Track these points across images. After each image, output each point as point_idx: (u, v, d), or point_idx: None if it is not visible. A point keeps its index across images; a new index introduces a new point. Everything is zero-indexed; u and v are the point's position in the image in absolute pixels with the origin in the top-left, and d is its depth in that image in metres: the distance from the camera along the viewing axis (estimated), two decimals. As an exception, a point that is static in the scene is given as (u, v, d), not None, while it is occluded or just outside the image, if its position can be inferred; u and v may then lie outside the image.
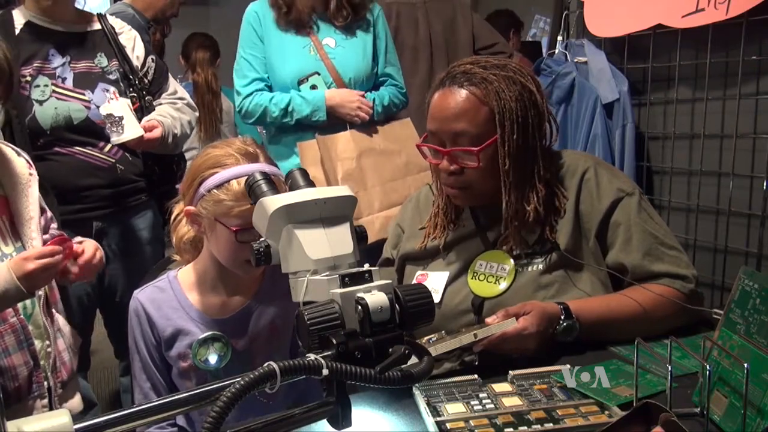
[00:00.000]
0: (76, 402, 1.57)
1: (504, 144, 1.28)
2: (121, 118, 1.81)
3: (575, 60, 2.58)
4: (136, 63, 2.02)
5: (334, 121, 2.21)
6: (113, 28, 2.03)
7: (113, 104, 1.81)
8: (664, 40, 2.27)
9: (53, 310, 1.53)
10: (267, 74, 2.28)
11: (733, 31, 2.02)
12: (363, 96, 2.25)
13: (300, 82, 2.25)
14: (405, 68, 2.53)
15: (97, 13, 2.04)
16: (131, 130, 1.84)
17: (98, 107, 1.88)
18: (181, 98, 2.13)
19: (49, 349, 1.46)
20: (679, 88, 2.29)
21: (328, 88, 2.24)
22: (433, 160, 1.37)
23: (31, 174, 1.50)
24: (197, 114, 2.19)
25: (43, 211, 1.54)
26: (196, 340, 1.30)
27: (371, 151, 2.19)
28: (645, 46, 2.33)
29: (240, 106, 2.29)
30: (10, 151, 1.49)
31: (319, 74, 2.25)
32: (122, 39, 2.03)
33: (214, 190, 1.23)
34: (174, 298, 1.33)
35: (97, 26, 2.00)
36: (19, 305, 1.41)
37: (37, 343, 1.45)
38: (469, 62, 1.34)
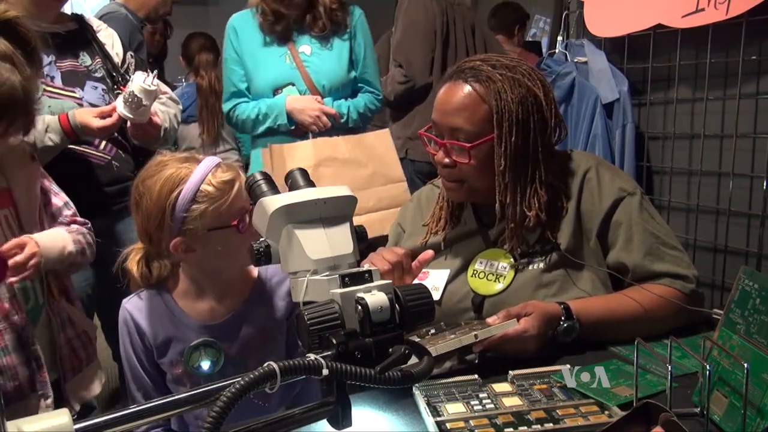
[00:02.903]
0: (95, 386, 1.58)
1: (501, 144, 1.28)
2: (140, 101, 1.81)
3: (575, 60, 2.58)
4: (117, 60, 2.02)
5: (304, 129, 2.27)
6: (91, 27, 2.03)
7: (150, 88, 1.81)
8: (664, 40, 2.27)
9: (63, 300, 1.53)
10: (246, 85, 2.35)
11: (733, 31, 2.02)
12: (332, 104, 2.30)
13: (275, 93, 2.30)
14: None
15: (72, 13, 2.04)
16: (143, 114, 1.85)
17: (91, 105, 1.88)
18: (163, 92, 2.13)
19: (56, 338, 1.46)
20: (679, 88, 2.29)
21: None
22: (431, 150, 1.38)
23: (35, 170, 1.51)
24: (180, 106, 2.20)
25: (48, 199, 1.55)
26: (187, 347, 1.28)
27: (333, 160, 2.19)
28: (645, 46, 2.33)
29: (227, 121, 2.45)
30: (17, 144, 1.51)
31: (293, 85, 2.29)
32: (101, 37, 2.03)
33: (192, 206, 1.19)
34: (163, 305, 1.32)
35: (75, 26, 2.00)
36: (30, 294, 1.42)
37: (45, 333, 1.45)
38: (480, 59, 1.35)
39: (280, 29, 2.28)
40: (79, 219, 1.63)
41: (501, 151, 1.28)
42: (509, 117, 1.27)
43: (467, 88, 1.30)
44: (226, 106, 2.39)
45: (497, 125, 1.27)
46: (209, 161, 1.23)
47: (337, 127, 2.29)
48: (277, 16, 2.27)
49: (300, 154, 2.17)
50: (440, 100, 1.34)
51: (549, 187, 1.33)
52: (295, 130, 2.28)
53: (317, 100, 2.27)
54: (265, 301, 1.34)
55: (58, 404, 1.46)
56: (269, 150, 2.19)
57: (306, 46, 2.30)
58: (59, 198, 1.61)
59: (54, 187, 1.61)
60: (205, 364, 1.29)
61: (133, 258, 1.32)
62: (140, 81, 1.80)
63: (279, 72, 2.29)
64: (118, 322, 1.34)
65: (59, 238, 1.49)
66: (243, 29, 2.33)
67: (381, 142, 2.30)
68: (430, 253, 1.30)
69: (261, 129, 2.31)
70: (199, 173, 1.20)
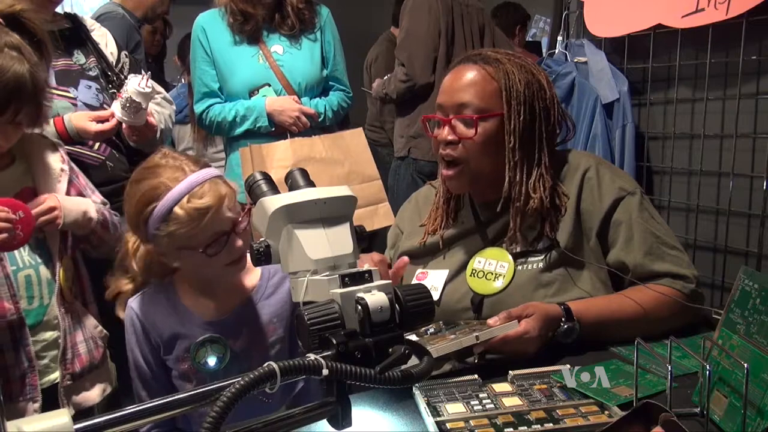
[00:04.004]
0: (92, 394, 1.57)
1: (510, 121, 1.30)
2: (139, 105, 1.81)
3: (575, 60, 2.58)
4: (111, 59, 2.02)
5: (284, 129, 2.27)
6: (85, 26, 2.03)
7: (146, 90, 1.81)
8: (664, 40, 2.27)
9: (77, 303, 1.53)
10: (219, 85, 2.33)
11: (733, 31, 2.02)
12: (309, 103, 2.30)
13: (251, 94, 2.29)
14: None
15: (65, 12, 2.03)
16: (141, 117, 1.85)
17: (85, 104, 1.88)
18: (158, 92, 2.13)
19: (60, 341, 1.46)
20: (679, 88, 2.29)
21: (279, 96, 2.28)
22: (434, 133, 1.38)
23: (62, 169, 1.51)
24: (174, 107, 2.20)
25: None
26: (193, 343, 1.29)
27: (310, 159, 2.19)
28: (645, 46, 2.33)
29: (198, 123, 2.40)
30: (47, 143, 1.51)
31: (269, 86, 2.29)
32: (95, 36, 2.03)
33: (163, 225, 1.18)
34: (168, 302, 1.32)
35: (68, 24, 1.99)
36: (35, 294, 1.41)
37: (49, 334, 1.45)
38: (487, 50, 1.39)
39: (250, 29, 2.27)
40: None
41: (510, 129, 1.30)
42: (517, 95, 1.30)
43: (476, 68, 1.33)
44: (198, 107, 2.35)
45: (506, 102, 1.30)
46: (194, 179, 1.19)
47: (313, 126, 2.31)
48: (245, 16, 2.26)
49: (278, 153, 2.18)
50: (447, 82, 1.36)
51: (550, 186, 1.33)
52: (274, 130, 2.28)
53: (295, 100, 2.28)
54: (268, 298, 1.35)
55: (50, 408, 1.45)
56: (249, 149, 2.19)
57: (277, 45, 2.30)
58: (96, 196, 1.63)
59: (89, 186, 1.61)
60: (212, 360, 1.29)
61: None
62: (135, 85, 1.81)
63: (253, 72, 2.29)
64: (125, 322, 1.34)
65: (82, 203, 1.54)
66: (212, 29, 2.31)
67: (356, 140, 2.31)
68: (404, 260, 1.28)
69: (239, 131, 2.30)
70: (175, 194, 1.17)
